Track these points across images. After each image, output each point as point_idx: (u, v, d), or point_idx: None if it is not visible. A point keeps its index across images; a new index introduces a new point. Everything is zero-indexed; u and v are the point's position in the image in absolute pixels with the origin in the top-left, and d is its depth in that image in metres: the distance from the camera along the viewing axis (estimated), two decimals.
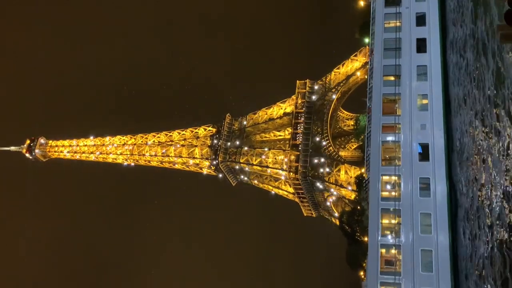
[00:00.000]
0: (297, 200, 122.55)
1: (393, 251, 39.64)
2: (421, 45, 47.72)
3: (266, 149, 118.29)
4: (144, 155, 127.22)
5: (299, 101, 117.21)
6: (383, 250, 40.42)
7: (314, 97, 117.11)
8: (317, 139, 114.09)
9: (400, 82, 46.22)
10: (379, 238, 40.45)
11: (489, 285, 24.88)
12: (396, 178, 43.03)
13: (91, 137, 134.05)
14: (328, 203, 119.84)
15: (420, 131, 43.67)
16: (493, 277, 24.37)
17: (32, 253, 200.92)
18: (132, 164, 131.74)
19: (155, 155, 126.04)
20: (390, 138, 45.05)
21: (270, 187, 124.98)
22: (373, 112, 48.10)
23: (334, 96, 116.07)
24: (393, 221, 41.35)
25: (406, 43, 48.11)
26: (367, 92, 55.52)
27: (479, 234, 28.32)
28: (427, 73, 45.85)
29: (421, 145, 43.49)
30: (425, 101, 45.30)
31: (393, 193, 42.67)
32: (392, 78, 47.69)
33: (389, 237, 40.79)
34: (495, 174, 24.23)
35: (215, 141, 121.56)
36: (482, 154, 27.84)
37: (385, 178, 44.06)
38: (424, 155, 42.76)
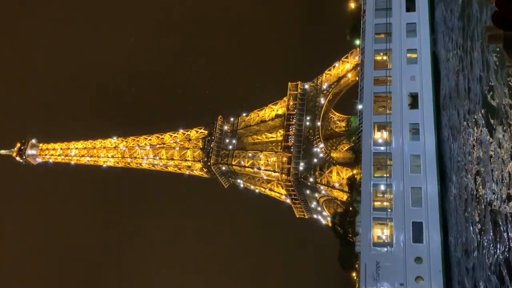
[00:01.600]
0: (289, 201, 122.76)
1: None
2: (410, 6, 50.85)
3: (258, 151, 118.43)
4: (135, 157, 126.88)
5: (291, 103, 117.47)
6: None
7: (306, 97, 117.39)
8: (309, 140, 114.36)
9: (390, 39, 48.85)
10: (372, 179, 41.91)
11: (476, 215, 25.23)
12: (387, 133, 44.87)
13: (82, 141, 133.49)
14: (320, 205, 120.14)
15: (410, 82, 45.86)
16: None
17: (26, 256, 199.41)
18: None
19: (147, 158, 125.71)
20: (381, 89, 47.04)
21: (263, 189, 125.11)
22: (365, 67, 50.74)
23: (324, 99, 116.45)
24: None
25: (396, 3, 50.89)
26: (360, 53, 57.76)
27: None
28: (416, 30, 48.77)
29: (411, 94, 45.71)
30: (414, 55, 47.83)
31: (385, 137, 44.87)
32: (383, 35, 50.56)
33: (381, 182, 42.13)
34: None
35: (207, 143, 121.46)
36: (471, 100, 28.41)
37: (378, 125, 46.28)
38: (414, 104, 44.95)
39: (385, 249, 36.38)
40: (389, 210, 38.37)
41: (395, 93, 45.50)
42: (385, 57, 49.52)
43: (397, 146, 42.34)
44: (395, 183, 39.52)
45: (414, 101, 45.02)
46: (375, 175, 42.19)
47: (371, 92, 47.48)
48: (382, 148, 43.33)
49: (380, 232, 40.46)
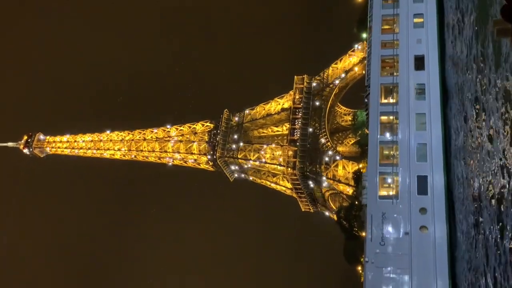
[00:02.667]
0: (295, 195, 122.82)
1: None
2: None
3: (264, 145, 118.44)
4: (142, 151, 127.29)
5: (297, 97, 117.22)
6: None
7: (312, 91, 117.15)
8: (315, 134, 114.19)
9: (398, 4, 50.17)
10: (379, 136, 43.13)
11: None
12: (395, 95, 45.98)
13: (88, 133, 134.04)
14: (326, 199, 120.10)
15: (416, 45, 47.01)
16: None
17: (31, 251, 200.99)
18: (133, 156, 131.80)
19: (153, 151, 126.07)
20: (389, 52, 48.50)
21: (268, 183, 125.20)
22: (373, 31, 52.46)
23: (331, 92, 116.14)
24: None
25: None
26: (368, 21, 58.56)
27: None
28: None
29: (417, 56, 46.56)
30: (420, 20, 48.86)
31: (391, 100, 45.91)
32: (390, 1, 52.27)
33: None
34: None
35: (213, 137, 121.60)
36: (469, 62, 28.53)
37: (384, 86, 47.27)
38: (420, 64, 45.87)
39: (391, 201, 37.42)
40: (395, 165, 39.55)
41: (402, 56, 46.31)
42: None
43: (403, 105, 43.42)
44: (400, 140, 40.63)
45: (420, 63, 45.74)
46: (381, 133, 43.47)
47: (379, 55, 48.49)
48: (388, 108, 44.48)
49: (386, 186, 41.47)
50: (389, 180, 41.43)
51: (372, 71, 48.63)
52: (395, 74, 46.16)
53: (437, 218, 35.27)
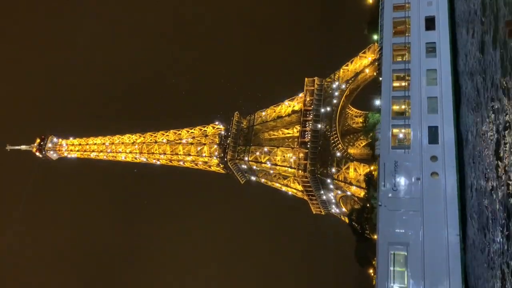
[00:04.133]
0: (306, 198, 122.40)
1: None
2: None
3: (274, 147, 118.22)
4: (153, 153, 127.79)
5: (308, 99, 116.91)
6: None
7: (323, 93, 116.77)
8: (326, 136, 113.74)
9: None
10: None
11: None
12: (406, 54, 46.90)
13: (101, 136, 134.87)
14: (337, 201, 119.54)
15: (426, 7, 48.09)
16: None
17: (40, 253, 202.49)
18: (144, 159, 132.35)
19: (164, 153, 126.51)
20: (400, 15, 49.83)
21: (279, 185, 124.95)
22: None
23: (342, 94, 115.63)
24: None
25: None
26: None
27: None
28: None
29: (427, 17, 47.51)
30: None
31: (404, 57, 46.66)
32: None
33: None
34: None
35: (224, 139, 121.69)
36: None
37: (396, 47, 48.45)
38: (430, 25, 46.79)
39: (403, 151, 39.33)
40: (407, 118, 41.43)
41: (413, 17, 47.22)
42: None
43: (415, 62, 44.81)
44: (412, 94, 42.46)
45: (430, 23, 46.55)
46: (394, 89, 45.08)
47: (391, 17, 50.01)
48: (400, 65, 45.79)
49: (399, 133, 43.29)
50: (401, 136, 43.15)
51: (385, 33, 50.48)
52: (407, 34, 47.27)
53: (448, 164, 36.88)
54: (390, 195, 37.06)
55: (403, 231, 34.96)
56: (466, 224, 32.79)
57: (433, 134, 39.36)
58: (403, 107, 44.08)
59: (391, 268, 33.71)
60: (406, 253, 33.67)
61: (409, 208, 35.89)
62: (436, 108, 40.65)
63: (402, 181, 37.58)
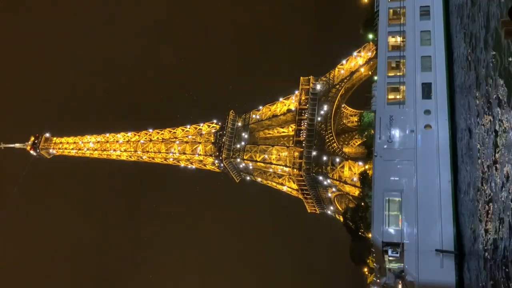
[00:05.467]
0: (300, 196, 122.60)
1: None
2: None
3: (270, 146, 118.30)
4: (148, 152, 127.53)
5: (303, 98, 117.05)
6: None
7: (318, 92, 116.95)
8: (321, 135, 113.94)
9: None
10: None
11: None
12: (402, 16, 48.47)
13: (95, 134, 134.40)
14: (332, 200, 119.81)
15: None
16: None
17: (36, 251, 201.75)
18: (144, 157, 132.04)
19: (159, 152, 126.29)
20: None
21: (274, 184, 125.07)
22: None
23: (337, 93, 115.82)
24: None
25: None
26: None
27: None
28: None
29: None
30: None
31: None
32: None
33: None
34: None
35: (219, 138, 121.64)
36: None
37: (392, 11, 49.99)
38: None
39: (398, 106, 41.50)
40: (402, 76, 43.31)
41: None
42: None
43: (409, 24, 46.36)
44: (407, 54, 44.08)
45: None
46: (390, 50, 46.76)
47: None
48: (396, 28, 47.36)
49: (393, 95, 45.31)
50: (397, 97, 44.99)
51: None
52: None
53: (440, 117, 38.88)
54: (385, 146, 39.03)
55: (398, 179, 36.89)
56: (457, 172, 34.67)
57: (426, 90, 41.36)
58: (398, 65, 46.63)
59: (386, 213, 35.52)
60: (400, 199, 35.54)
61: (403, 158, 37.90)
62: (430, 66, 42.65)
63: (396, 133, 39.62)
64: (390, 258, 34.97)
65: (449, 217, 33.54)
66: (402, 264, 33.28)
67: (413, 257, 32.59)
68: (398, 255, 33.49)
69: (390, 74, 45.79)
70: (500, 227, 20.14)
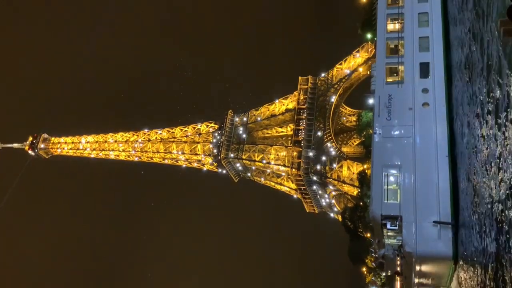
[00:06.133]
0: (299, 196, 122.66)
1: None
2: None
3: (268, 146, 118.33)
4: (146, 151, 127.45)
5: (301, 97, 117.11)
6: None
7: (316, 92, 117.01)
8: (319, 135, 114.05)
9: None
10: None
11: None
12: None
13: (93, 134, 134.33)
14: (330, 199, 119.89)
15: None
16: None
17: (34, 251, 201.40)
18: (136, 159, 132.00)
19: (158, 152, 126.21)
20: None
21: (273, 184, 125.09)
22: None
23: (335, 93, 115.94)
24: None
25: None
26: None
27: None
28: None
29: None
30: None
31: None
32: None
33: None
34: None
35: (217, 138, 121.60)
36: None
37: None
38: None
39: (396, 85, 42.60)
40: (401, 56, 44.34)
41: None
42: None
43: (407, 6, 47.22)
44: (405, 35, 45.44)
45: None
46: (388, 30, 47.93)
47: None
48: (394, 10, 48.29)
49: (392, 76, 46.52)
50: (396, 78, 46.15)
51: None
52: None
53: (438, 95, 40.03)
54: (384, 124, 40.08)
55: (396, 155, 38.12)
56: (455, 146, 35.59)
57: (424, 69, 42.50)
58: (396, 41, 48.00)
59: (385, 187, 36.52)
60: (398, 174, 36.57)
61: (401, 135, 39.04)
62: (428, 46, 43.82)
63: (395, 111, 40.72)
64: (389, 233, 35.77)
65: (447, 190, 34.48)
66: (401, 237, 34.03)
67: (411, 228, 33.48)
68: (396, 228, 34.27)
69: (389, 55, 47.26)
70: (496, 195, 20.57)
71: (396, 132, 39.51)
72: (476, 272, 26.00)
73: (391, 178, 36.96)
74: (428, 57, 43.25)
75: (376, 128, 40.25)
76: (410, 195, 35.09)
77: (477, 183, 25.93)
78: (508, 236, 18.63)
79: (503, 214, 19.37)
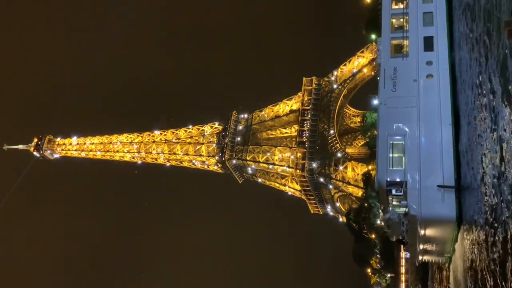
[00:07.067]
0: (304, 197, 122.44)
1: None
2: None
3: (272, 147, 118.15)
4: (151, 153, 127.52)
5: (306, 98, 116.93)
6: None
7: (321, 93, 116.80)
8: (324, 136, 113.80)
9: None
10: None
11: None
12: None
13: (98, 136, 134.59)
14: (335, 201, 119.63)
15: None
16: None
17: (37, 251, 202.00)
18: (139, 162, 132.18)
19: (162, 153, 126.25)
20: None
21: (277, 185, 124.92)
22: None
23: (339, 94, 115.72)
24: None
25: None
26: None
27: None
28: None
29: None
30: None
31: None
32: None
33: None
34: None
35: (222, 139, 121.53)
36: None
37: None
38: None
39: (401, 58, 44.17)
40: (405, 31, 45.66)
41: None
42: None
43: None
44: (410, 10, 46.55)
45: None
46: (393, 7, 48.60)
47: None
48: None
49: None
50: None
51: None
52: None
53: (441, 67, 41.30)
54: (389, 95, 41.43)
55: (401, 124, 39.29)
56: (458, 115, 36.76)
57: (428, 43, 43.78)
58: (401, 20, 49.30)
59: (390, 155, 37.74)
60: (403, 142, 37.73)
61: (406, 105, 40.34)
62: (431, 21, 45.24)
63: (400, 83, 42.05)
64: (394, 202, 36.75)
65: (450, 155, 35.67)
66: (406, 202, 35.06)
67: (416, 193, 34.50)
68: (401, 194, 35.24)
69: (394, 30, 48.73)
70: (497, 158, 21.14)
71: (401, 102, 41.06)
72: (479, 235, 26.54)
73: (396, 147, 38.41)
74: (432, 31, 44.66)
75: (381, 100, 41.81)
76: (415, 162, 36.34)
77: (478, 148, 26.69)
78: (510, 198, 18.93)
79: (505, 176, 19.74)
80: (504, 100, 19.59)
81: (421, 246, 39.29)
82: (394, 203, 36.60)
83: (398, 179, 35.81)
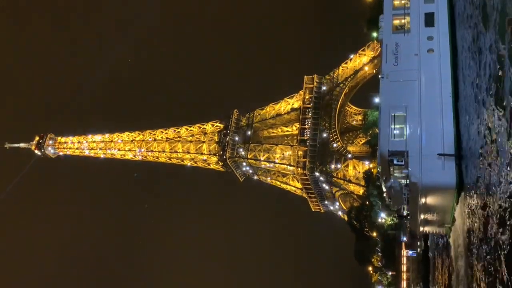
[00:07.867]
0: (305, 195, 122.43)
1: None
2: None
3: (274, 145, 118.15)
4: (152, 151, 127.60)
5: (307, 96, 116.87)
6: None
7: (322, 91, 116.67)
8: (325, 134, 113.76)
9: None
10: None
11: None
12: None
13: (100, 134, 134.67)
14: (336, 199, 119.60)
15: None
16: None
17: (39, 252, 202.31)
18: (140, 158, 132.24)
19: (163, 151, 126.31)
20: None
21: (278, 183, 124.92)
22: None
23: (341, 92, 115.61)
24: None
25: None
26: None
27: None
28: None
29: None
30: None
31: None
32: None
33: None
34: None
35: (223, 137, 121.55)
36: None
37: None
38: None
39: (403, 34, 45.47)
40: (407, 8, 46.48)
41: None
42: None
43: None
44: None
45: None
46: None
47: None
48: None
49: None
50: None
51: None
52: None
53: (442, 41, 42.25)
54: (391, 69, 42.47)
55: (403, 96, 40.37)
56: (458, 86, 37.75)
57: (429, 19, 44.85)
58: (403, 1, 50.24)
59: (392, 127, 38.82)
60: (405, 114, 38.70)
61: (408, 78, 41.34)
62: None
63: (402, 57, 43.14)
64: (396, 172, 37.45)
65: (450, 124, 36.56)
66: (407, 170, 35.88)
67: (416, 162, 35.33)
68: (403, 163, 35.96)
69: (395, 7, 49.71)
70: (497, 126, 21.55)
71: (403, 76, 42.04)
72: (478, 203, 26.96)
73: (398, 118, 39.37)
74: (433, 8, 45.64)
75: (383, 73, 42.77)
76: (416, 132, 37.31)
77: (479, 116, 27.25)
78: (509, 168, 19.20)
79: (504, 143, 20.05)
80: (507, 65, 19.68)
81: (422, 216, 39.92)
82: (396, 173, 37.62)
83: (399, 149, 36.91)
